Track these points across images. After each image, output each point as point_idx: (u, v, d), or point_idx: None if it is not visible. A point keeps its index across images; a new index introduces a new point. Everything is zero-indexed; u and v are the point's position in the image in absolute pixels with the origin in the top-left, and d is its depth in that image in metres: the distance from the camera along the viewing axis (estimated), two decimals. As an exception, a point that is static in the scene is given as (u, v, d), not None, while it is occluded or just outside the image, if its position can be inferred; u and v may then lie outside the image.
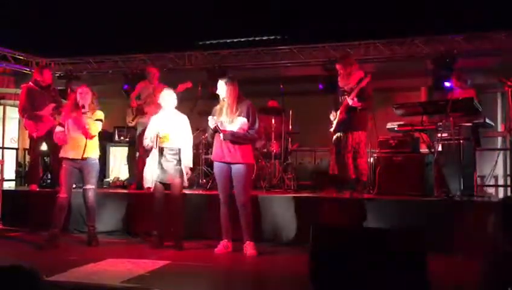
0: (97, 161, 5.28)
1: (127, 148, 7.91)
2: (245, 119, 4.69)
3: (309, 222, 5.13)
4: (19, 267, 1.83)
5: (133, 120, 6.74)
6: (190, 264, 4.30)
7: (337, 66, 5.93)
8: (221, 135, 4.67)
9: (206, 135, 7.35)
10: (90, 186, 5.14)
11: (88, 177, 5.14)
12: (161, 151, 4.98)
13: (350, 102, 5.54)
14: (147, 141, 5.05)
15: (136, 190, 6.49)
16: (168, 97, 5.11)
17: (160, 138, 4.93)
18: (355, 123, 5.67)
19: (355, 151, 5.66)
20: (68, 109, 5.24)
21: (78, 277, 3.66)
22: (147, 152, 5.18)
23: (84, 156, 5.10)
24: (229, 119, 4.70)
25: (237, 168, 4.70)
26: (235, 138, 4.66)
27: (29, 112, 6.50)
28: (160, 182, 5.01)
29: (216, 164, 4.84)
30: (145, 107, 6.61)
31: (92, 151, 5.18)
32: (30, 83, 6.75)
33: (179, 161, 5.01)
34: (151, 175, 5.00)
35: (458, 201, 5.20)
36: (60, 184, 5.13)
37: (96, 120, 5.21)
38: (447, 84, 7.31)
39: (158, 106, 6.48)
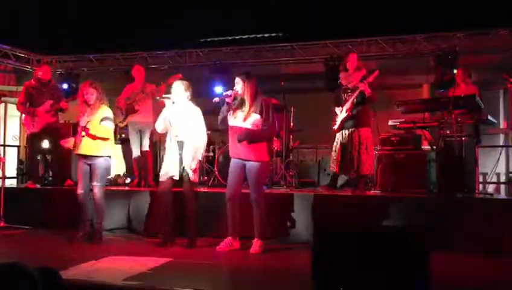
0: (107, 158, 5.24)
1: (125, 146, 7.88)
2: (258, 116, 4.64)
3: (310, 220, 5.17)
4: (17, 265, 1.83)
5: (124, 120, 6.75)
6: (192, 262, 4.29)
7: (352, 56, 5.90)
8: (236, 136, 4.62)
9: (208, 132, 7.37)
10: (96, 184, 5.13)
11: (94, 175, 5.14)
12: (173, 144, 4.94)
13: (362, 87, 5.51)
14: (159, 129, 5.04)
15: (138, 187, 6.52)
16: (176, 90, 5.00)
17: (173, 127, 4.90)
18: (360, 120, 5.67)
19: (363, 147, 5.66)
20: (80, 108, 5.29)
21: (79, 275, 3.65)
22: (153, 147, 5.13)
23: (90, 153, 5.11)
24: (244, 116, 4.66)
25: (251, 166, 4.67)
26: (249, 138, 4.62)
27: (25, 108, 6.66)
28: (170, 178, 4.93)
29: (232, 160, 4.80)
30: (135, 105, 6.62)
31: (100, 149, 5.14)
32: (32, 80, 6.90)
33: (189, 154, 4.91)
34: (163, 170, 4.96)
35: (460, 198, 5.18)
36: (77, 181, 5.28)
37: (103, 119, 5.12)
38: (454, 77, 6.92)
39: (148, 103, 6.56)
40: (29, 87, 6.72)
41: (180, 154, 4.92)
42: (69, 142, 5.25)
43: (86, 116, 5.14)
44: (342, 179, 6.43)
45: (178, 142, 4.94)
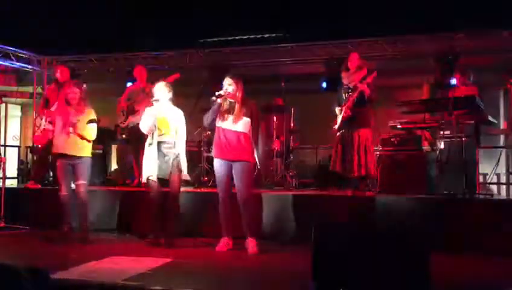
0: (89, 158, 5.24)
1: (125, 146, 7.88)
2: (248, 119, 4.68)
3: (311, 220, 5.14)
4: (5, 266, 1.83)
5: (125, 120, 6.77)
6: (191, 262, 4.30)
7: (353, 56, 5.88)
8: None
9: (208, 132, 7.39)
10: (82, 181, 5.12)
11: (79, 173, 5.12)
12: (157, 146, 4.96)
13: (361, 87, 5.52)
14: (145, 130, 5.01)
15: (137, 187, 6.53)
16: (160, 90, 5.04)
17: (158, 128, 4.91)
18: (361, 121, 5.67)
19: (364, 148, 5.66)
20: (59, 107, 5.26)
21: (79, 275, 3.66)
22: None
23: (79, 154, 5.11)
24: (234, 118, 4.67)
25: (238, 166, 4.68)
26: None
27: (41, 110, 6.80)
28: (158, 178, 4.95)
29: (217, 161, 4.80)
30: (135, 105, 6.65)
31: (85, 149, 5.17)
32: (52, 82, 7.12)
33: (176, 155, 4.96)
34: (146, 171, 4.98)
35: (460, 199, 5.18)
36: (59, 183, 5.18)
37: (89, 121, 5.15)
38: (453, 81, 7.28)
39: (148, 103, 6.56)
40: (48, 89, 6.98)
41: (164, 155, 4.94)
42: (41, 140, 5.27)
43: (72, 116, 5.11)
44: (343, 180, 6.41)
45: (162, 142, 4.95)
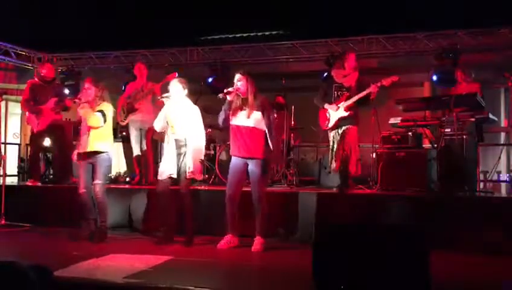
0: (107, 154, 5.21)
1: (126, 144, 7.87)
2: (260, 114, 4.68)
3: (311, 218, 5.17)
4: (13, 264, 1.84)
5: (125, 118, 6.76)
6: (193, 260, 4.30)
7: (351, 56, 5.85)
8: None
9: (209, 130, 7.39)
10: (97, 182, 5.13)
11: (95, 173, 5.14)
12: (171, 144, 4.95)
13: (373, 90, 5.51)
14: (157, 128, 5.02)
15: (138, 185, 6.53)
16: (174, 87, 5.02)
17: (170, 125, 4.91)
18: (355, 119, 5.67)
19: (356, 146, 5.66)
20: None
21: (81, 272, 3.67)
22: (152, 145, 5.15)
23: (89, 149, 5.11)
24: (247, 113, 4.68)
25: (253, 164, 4.68)
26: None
27: (30, 105, 6.68)
28: (169, 177, 4.94)
29: (233, 159, 4.80)
30: (134, 104, 6.63)
31: (98, 144, 5.13)
32: (35, 78, 7.02)
33: (186, 153, 4.94)
34: (160, 169, 4.98)
35: (461, 197, 5.18)
36: (78, 180, 5.27)
37: (98, 111, 5.14)
38: (434, 78, 7.37)
39: (147, 102, 6.56)
40: (33, 84, 6.80)
41: (178, 153, 4.93)
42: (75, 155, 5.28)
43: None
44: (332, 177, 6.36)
45: (176, 140, 4.95)
